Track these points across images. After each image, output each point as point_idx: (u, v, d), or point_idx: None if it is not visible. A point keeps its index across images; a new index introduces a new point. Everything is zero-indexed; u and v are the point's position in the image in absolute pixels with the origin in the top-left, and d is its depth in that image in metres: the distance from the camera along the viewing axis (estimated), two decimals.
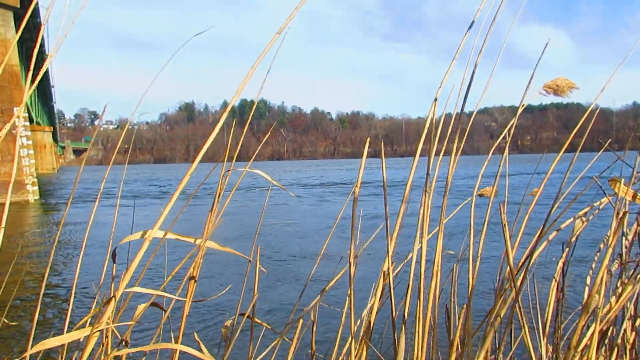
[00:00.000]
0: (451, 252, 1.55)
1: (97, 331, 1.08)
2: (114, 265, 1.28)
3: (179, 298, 1.20)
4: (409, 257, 1.23)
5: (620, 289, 1.27)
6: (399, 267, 1.44)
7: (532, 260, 1.22)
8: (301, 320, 1.51)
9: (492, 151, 1.59)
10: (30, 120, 43.32)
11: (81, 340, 1.18)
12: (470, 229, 1.25)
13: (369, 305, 1.35)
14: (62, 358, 1.10)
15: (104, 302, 1.13)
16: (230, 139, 1.47)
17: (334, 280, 1.46)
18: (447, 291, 1.57)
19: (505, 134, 1.47)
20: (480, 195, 1.58)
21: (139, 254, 1.07)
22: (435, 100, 1.25)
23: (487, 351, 1.20)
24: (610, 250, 1.09)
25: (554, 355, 1.31)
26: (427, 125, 1.34)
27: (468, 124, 1.40)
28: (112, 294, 1.37)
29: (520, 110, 1.40)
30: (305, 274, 7.27)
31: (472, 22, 1.25)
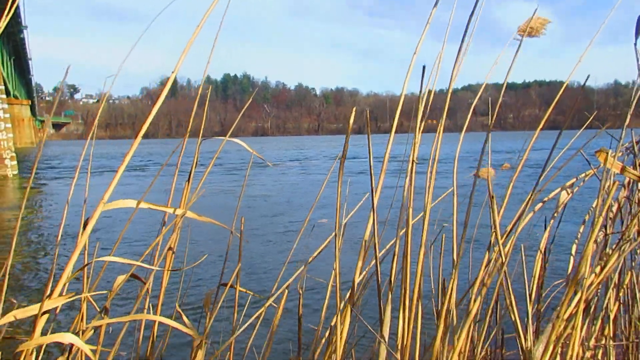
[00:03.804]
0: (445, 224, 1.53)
1: (46, 311, 1.05)
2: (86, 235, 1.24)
3: (153, 267, 1.17)
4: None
5: (604, 260, 1.27)
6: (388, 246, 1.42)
7: (519, 228, 1.21)
8: (286, 291, 1.49)
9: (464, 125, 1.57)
10: (7, 93, 42.23)
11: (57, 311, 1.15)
12: (453, 197, 1.24)
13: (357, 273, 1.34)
14: (35, 330, 1.07)
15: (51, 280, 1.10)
16: (202, 117, 1.42)
17: (320, 249, 1.44)
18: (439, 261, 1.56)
19: (487, 109, 1.45)
20: (478, 177, 1.56)
21: (90, 223, 1.03)
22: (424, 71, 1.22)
23: (472, 320, 1.20)
24: (600, 219, 1.08)
25: (539, 325, 1.32)
26: (402, 100, 1.30)
27: (447, 101, 1.37)
28: (85, 264, 1.34)
29: (503, 89, 1.38)
30: (297, 247, 7.28)
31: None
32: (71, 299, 1.12)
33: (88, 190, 1.35)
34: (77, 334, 1.29)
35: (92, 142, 1.25)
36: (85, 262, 1.29)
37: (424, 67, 1.20)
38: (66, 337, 1.06)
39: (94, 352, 1.10)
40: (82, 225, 1.05)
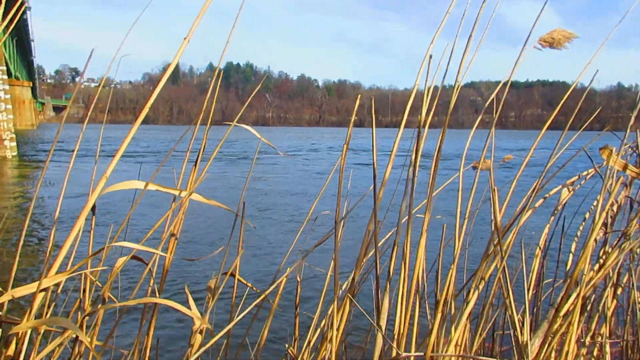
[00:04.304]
0: (438, 216, 1.54)
1: (42, 290, 1.05)
2: (93, 217, 1.24)
3: (160, 253, 1.17)
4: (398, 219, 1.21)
5: (603, 258, 1.27)
6: (388, 235, 1.43)
7: (520, 223, 1.22)
8: (284, 279, 1.50)
9: (477, 124, 1.57)
10: (9, 74, 42.02)
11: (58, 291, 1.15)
12: (459, 189, 1.24)
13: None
14: (32, 310, 1.07)
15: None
16: (211, 102, 1.42)
17: (321, 241, 1.44)
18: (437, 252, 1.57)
19: (489, 107, 1.45)
20: (474, 168, 1.56)
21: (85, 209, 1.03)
22: (429, 65, 1.22)
23: (469, 313, 1.20)
24: (603, 215, 1.08)
25: (537, 320, 1.33)
26: (413, 93, 1.30)
27: (453, 97, 1.37)
28: (89, 248, 1.34)
29: (507, 87, 1.37)
30: (302, 237, 7.31)
31: None
32: (70, 274, 1.12)
33: (86, 171, 1.35)
34: (76, 317, 1.29)
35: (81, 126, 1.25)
36: (89, 248, 1.29)
37: (430, 56, 1.20)
38: (61, 321, 1.05)
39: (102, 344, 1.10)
40: (89, 204, 1.05)
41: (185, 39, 0.99)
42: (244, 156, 25.13)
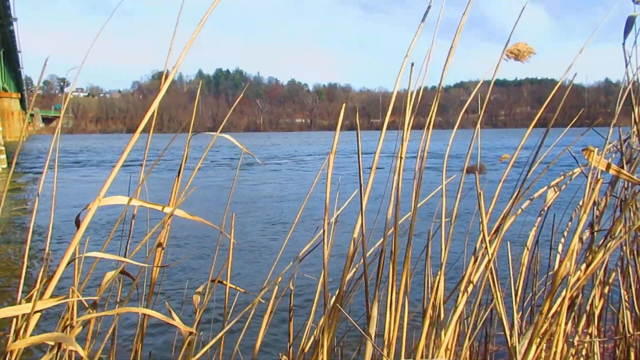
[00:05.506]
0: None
1: (38, 311, 1.05)
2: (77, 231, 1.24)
3: (142, 264, 1.17)
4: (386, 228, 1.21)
5: (590, 257, 1.28)
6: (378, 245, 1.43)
7: (505, 227, 1.22)
8: (276, 287, 1.50)
9: (459, 120, 1.58)
10: None
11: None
12: (442, 194, 1.25)
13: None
14: (27, 329, 1.06)
15: (42, 278, 1.09)
16: (194, 108, 1.42)
17: (308, 244, 1.44)
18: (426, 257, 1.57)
19: (478, 107, 1.46)
20: (468, 172, 1.57)
21: (86, 218, 1.03)
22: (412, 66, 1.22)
23: (459, 317, 1.21)
24: (584, 217, 1.09)
25: (525, 322, 1.33)
26: (393, 98, 1.31)
27: (436, 99, 1.38)
28: (75, 265, 1.33)
29: (490, 88, 1.38)
30: (288, 245, 7.30)
31: None
32: (62, 301, 1.12)
33: (80, 182, 1.35)
34: (65, 328, 1.29)
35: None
36: (75, 257, 1.28)
37: (412, 64, 1.20)
38: (58, 337, 1.06)
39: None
40: (76, 223, 1.05)
41: (173, 68, 0.99)
42: (247, 162, 25.07)
